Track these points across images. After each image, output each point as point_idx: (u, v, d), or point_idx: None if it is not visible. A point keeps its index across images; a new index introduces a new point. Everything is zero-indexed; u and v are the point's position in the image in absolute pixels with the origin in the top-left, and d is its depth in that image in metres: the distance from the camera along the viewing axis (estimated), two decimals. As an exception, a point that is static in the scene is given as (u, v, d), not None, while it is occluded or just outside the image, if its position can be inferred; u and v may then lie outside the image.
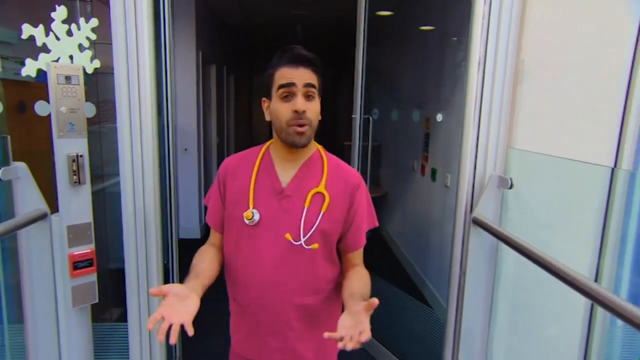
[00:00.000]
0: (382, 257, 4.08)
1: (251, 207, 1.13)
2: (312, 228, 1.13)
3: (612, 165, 1.71)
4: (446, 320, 1.86)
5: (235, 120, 7.21)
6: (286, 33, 6.74)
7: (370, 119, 2.48)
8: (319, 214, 1.14)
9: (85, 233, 1.37)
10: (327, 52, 8.09)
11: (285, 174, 1.18)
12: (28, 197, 1.48)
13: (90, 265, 1.39)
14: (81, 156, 1.32)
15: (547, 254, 1.29)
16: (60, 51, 1.50)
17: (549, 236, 1.70)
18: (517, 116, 1.66)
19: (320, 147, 1.24)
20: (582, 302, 1.74)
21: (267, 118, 1.15)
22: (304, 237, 1.13)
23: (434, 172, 3.03)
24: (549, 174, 1.67)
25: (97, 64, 1.55)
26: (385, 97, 4.16)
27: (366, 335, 0.90)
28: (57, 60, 1.50)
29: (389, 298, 2.44)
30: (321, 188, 1.15)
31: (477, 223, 1.65)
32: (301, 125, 1.07)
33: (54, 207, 1.49)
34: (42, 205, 1.50)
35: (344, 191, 1.18)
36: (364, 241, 1.24)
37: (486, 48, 1.62)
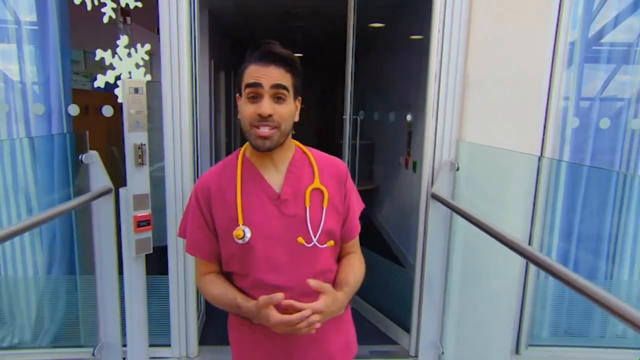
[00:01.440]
0: (373, 239, 4.60)
1: (240, 224, 1.05)
2: (319, 226, 1.09)
3: (538, 154, 2.23)
4: (414, 276, 2.38)
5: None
6: (286, 42, 7.28)
7: (358, 119, 3.00)
8: (322, 210, 1.10)
9: (145, 201, 1.89)
10: (325, 59, 8.63)
11: (274, 178, 1.10)
12: (100, 177, 2.01)
13: (148, 224, 1.91)
14: (144, 144, 1.84)
15: (489, 222, 1.61)
16: (123, 69, 2.03)
17: (491, 208, 2.21)
18: (464, 116, 2.19)
19: (298, 144, 1.18)
20: (518, 260, 2.26)
21: (238, 117, 1.08)
22: (314, 236, 1.08)
23: (414, 165, 3.55)
24: (490, 160, 2.20)
25: (149, 77, 2.08)
26: (378, 101, 4.69)
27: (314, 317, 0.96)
28: (119, 77, 2.03)
29: (377, 267, 2.96)
30: (316, 184, 1.11)
31: (435, 198, 2.17)
32: (265, 129, 1.01)
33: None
34: (108, 183, 2.03)
35: (338, 182, 1.15)
36: (359, 227, 1.22)
37: (440, 64, 2.15)
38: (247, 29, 6.34)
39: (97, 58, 2.00)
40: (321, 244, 1.09)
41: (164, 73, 2.07)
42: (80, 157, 1.98)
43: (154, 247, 1.99)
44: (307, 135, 12.85)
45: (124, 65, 2.02)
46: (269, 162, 1.10)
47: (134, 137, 1.83)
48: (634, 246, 2.35)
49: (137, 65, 2.06)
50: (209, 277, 1.15)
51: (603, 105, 2.33)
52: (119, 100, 1.96)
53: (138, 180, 1.87)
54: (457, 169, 2.13)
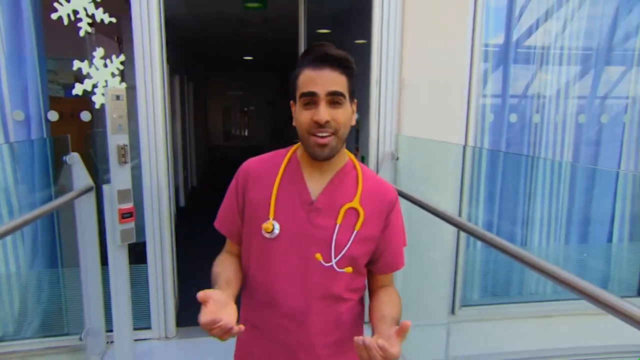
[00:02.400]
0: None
1: (271, 218, 1.02)
2: (344, 248, 1.02)
3: (463, 143, 2.68)
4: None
5: (195, 123, 7.88)
6: (239, 46, 7.51)
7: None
8: (352, 232, 1.03)
9: (128, 195, 2.13)
10: (277, 62, 8.93)
11: (315, 184, 1.06)
12: (82, 176, 2.22)
13: (131, 216, 2.14)
14: (126, 145, 2.08)
15: (427, 201, 1.97)
16: (99, 78, 2.25)
17: (427, 190, 2.64)
18: (402, 114, 2.59)
19: (352, 157, 1.12)
20: (451, 234, 2.69)
21: (294, 123, 1.04)
22: (335, 258, 1.01)
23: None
24: (424, 150, 2.61)
25: (124, 85, 2.31)
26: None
27: (393, 357, 0.82)
28: (96, 85, 2.24)
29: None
30: (355, 203, 1.04)
31: (380, 183, 2.55)
32: (323, 136, 0.97)
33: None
34: (90, 181, 2.24)
35: (380, 208, 1.07)
36: (403, 262, 1.14)
37: (380, 70, 2.54)
38: (201, 34, 6.52)
39: (74, 68, 2.21)
40: (339, 267, 1.03)
41: (138, 80, 2.32)
42: (63, 158, 2.18)
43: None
44: (261, 135, 13.08)
45: (100, 75, 2.24)
46: (316, 167, 1.06)
47: (117, 139, 2.06)
48: (542, 216, 2.87)
49: (113, 74, 2.28)
50: (223, 256, 1.14)
51: (526, 102, 2.83)
52: (97, 107, 2.19)
53: (121, 177, 2.10)
54: (397, 159, 2.53)
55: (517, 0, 2.75)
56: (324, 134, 0.98)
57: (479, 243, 2.90)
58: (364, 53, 2.64)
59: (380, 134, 2.60)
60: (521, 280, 2.95)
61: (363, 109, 3.64)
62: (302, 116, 1.00)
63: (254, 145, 12.10)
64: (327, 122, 0.97)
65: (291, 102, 1.06)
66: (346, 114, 1.00)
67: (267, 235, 1.02)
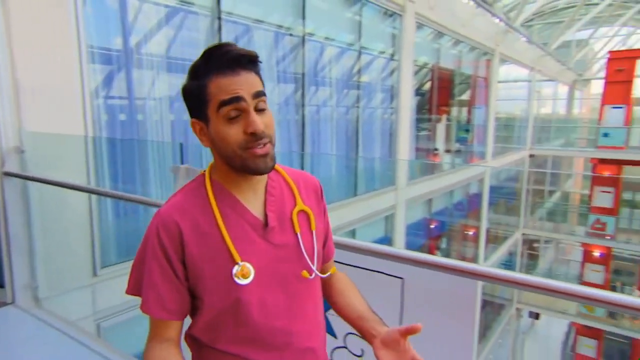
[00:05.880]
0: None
1: (239, 261, 0.88)
2: (314, 252, 0.97)
3: (84, 135, 3.27)
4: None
5: None
6: None
7: None
8: (312, 234, 0.99)
9: None
10: None
11: (253, 204, 0.94)
12: None
13: None
14: None
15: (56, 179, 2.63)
16: None
17: (56, 173, 3.09)
18: (25, 110, 2.92)
19: None
20: (84, 201, 3.27)
21: (205, 144, 0.91)
22: (314, 265, 0.96)
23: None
24: (49, 142, 3.04)
25: None
26: None
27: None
28: None
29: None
30: (300, 205, 0.99)
31: (8, 174, 2.82)
32: (261, 146, 0.86)
33: None
34: None
35: (316, 199, 1.04)
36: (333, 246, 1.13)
37: (-7, 72, 2.76)
38: None
39: None
40: (323, 273, 1.00)
41: None
42: None
43: None
44: None
45: None
46: (246, 186, 0.94)
47: None
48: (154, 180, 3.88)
49: None
50: (163, 351, 0.90)
51: (138, 103, 3.64)
52: None
53: None
54: (23, 152, 2.87)
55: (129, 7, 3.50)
56: (262, 145, 0.87)
57: (110, 210, 3.61)
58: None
59: (5, 129, 2.84)
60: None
61: None
62: (229, 131, 0.86)
63: None
64: (262, 131, 0.86)
65: (192, 120, 0.92)
66: (272, 118, 0.90)
67: (244, 282, 0.88)
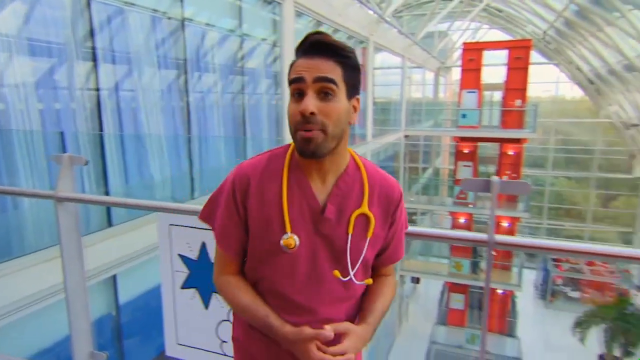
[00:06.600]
0: None
1: (289, 231, 0.95)
2: (359, 258, 0.98)
3: None
4: None
5: None
6: None
7: None
8: (365, 240, 0.99)
9: None
10: None
11: (319, 188, 0.98)
12: None
13: None
14: None
15: None
16: None
17: None
18: None
19: (354, 154, 1.04)
20: None
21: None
22: (352, 270, 0.97)
23: None
24: None
25: None
26: None
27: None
28: None
29: None
30: (364, 209, 0.98)
31: None
32: (308, 130, 0.88)
33: None
34: None
35: (387, 209, 1.03)
36: (403, 253, 1.11)
37: None
38: None
39: None
40: (358, 280, 1.00)
41: None
42: None
43: None
44: None
45: None
46: (315, 170, 0.97)
47: None
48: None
49: None
50: (233, 280, 1.03)
51: None
52: None
53: None
54: None
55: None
56: (310, 129, 0.89)
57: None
58: None
59: None
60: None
61: None
62: (290, 109, 0.92)
63: None
64: (313, 114, 0.88)
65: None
66: (338, 108, 0.91)
67: (288, 251, 0.96)
